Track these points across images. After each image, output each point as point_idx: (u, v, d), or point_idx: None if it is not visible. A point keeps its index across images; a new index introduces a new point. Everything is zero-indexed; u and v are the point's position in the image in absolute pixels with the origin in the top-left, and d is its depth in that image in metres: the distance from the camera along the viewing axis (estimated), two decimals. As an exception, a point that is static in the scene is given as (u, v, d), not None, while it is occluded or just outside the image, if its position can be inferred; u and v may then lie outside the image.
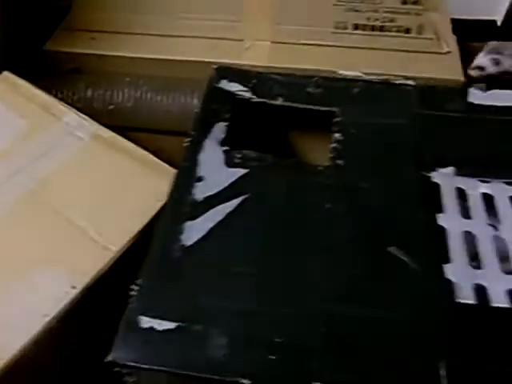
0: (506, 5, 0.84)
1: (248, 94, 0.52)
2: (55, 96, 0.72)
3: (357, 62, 0.73)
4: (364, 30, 0.74)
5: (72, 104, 0.72)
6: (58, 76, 0.75)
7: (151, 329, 0.35)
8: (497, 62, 0.72)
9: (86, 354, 0.39)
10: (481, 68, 0.73)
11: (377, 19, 0.73)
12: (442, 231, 0.43)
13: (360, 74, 0.53)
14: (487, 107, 0.50)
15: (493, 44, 0.74)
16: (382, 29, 0.73)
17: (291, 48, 0.76)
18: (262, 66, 0.74)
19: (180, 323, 0.36)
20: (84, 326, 0.42)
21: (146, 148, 0.68)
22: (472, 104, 0.51)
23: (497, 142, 0.49)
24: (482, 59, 0.73)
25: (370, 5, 0.72)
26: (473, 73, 0.73)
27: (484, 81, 0.69)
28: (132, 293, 0.37)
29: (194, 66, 0.74)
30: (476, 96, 0.51)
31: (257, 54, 0.75)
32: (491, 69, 0.72)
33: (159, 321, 0.36)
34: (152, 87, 0.74)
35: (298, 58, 0.74)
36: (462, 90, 0.52)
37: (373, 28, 0.74)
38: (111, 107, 0.73)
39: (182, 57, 0.75)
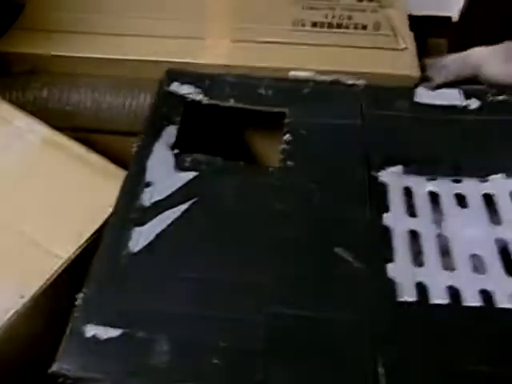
0: (461, 2, 0.85)
1: (199, 97, 0.52)
2: (9, 96, 0.71)
3: (315, 59, 0.73)
4: (322, 27, 0.74)
5: (26, 104, 0.71)
6: (12, 76, 0.74)
7: (95, 337, 0.36)
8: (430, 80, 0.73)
9: (35, 364, 0.39)
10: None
11: (334, 16, 0.73)
12: (387, 230, 0.44)
13: (311, 75, 0.54)
14: (434, 106, 0.51)
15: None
16: (339, 26, 0.74)
17: (251, 46, 0.75)
18: (222, 64, 0.74)
19: (124, 330, 0.36)
20: (33, 335, 0.42)
21: (103, 149, 0.68)
22: (419, 103, 0.52)
23: (443, 140, 0.50)
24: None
25: (326, 2, 0.72)
26: None
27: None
28: (77, 301, 0.37)
29: (154, 65, 0.73)
30: (423, 95, 0.52)
31: (217, 53, 0.75)
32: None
33: (104, 329, 0.36)
34: (111, 87, 0.73)
35: (258, 55, 0.74)
36: (410, 89, 0.53)
37: (330, 25, 0.74)
38: (68, 108, 0.72)
39: (141, 56, 0.74)
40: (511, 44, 0.76)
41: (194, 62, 0.74)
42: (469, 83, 0.75)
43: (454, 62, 0.77)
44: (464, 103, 0.51)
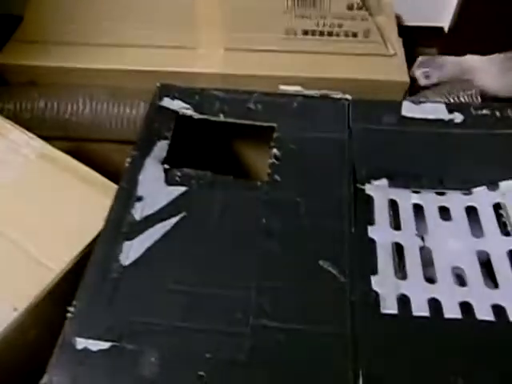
0: (452, 12, 0.87)
1: (190, 112, 0.53)
2: (7, 106, 0.73)
3: (307, 66, 0.75)
4: (313, 35, 0.76)
5: (24, 114, 0.73)
6: (10, 86, 0.75)
7: (86, 350, 0.37)
8: (427, 76, 0.75)
9: (29, 376, 0.40)
10: (414, 80, 0.76)
11: (325, 25, 0.75)
12: (372, 243, 0.46)
13: (300, 89, 0.55)
14: (419, 120, 0.52)
15: (423, 58, 0.78)
16: (330, 34, 0.75)
17: (244, 55, 0.77)
18: (215, 73, 0.76)
19: (114, 343, 0.38)
20: (27, 347, 0.43)
21: (101, 157, 0.69)
22: (405, 117, 0.53)
23: (428, 153, 0.52)
24: (414, 73, 0.77)
25: (317, 11, 0.73)
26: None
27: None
28: (68, 314, 0.39)
29: (150, 75, 0.74)
30: (409, 109, 0.53)
31: (210, 62, 0.77)
32: (422, 81, 0.76)
33: (94, 341, 0.38)
34: (109, 97, 0.74)
35: (251, 64, 0.76)
36: (397, 103, 0.54)
37: (321, 33, 0.75)
38: (65, 117, 0.73)
39: (137, 67, 0.76)
40: (504, 57, 0.78)
41: (188, 71, 0.75)
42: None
43: (451, 64, 0.78)
44: (449, 117, 0.52)
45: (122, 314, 0.39)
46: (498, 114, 0.52)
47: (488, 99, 0.78)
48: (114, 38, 0.77)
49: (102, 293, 0.40)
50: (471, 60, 0.78)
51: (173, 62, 0.75)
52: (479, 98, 0.74)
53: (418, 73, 0.76)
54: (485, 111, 0.52)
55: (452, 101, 0.74)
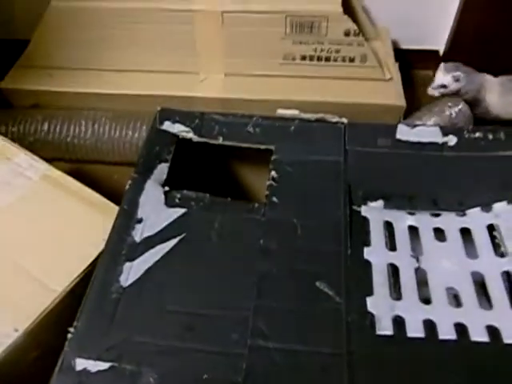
0: (447, 36, 0.89)
1: (190, 135, 0.55)
2: (11, 128, 0.75)
3: (305, 91, 0.77)
4: (311, 60, 0.78)
5: (28, 136, 0.74)
6: (14, 108, 0.77)
7: (85, 370, 0.38)
8: (457, 79, 0.76)
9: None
10: (443, 86, 0.77)
11: (322, 50, 0.76)
12: (367, 264, 0.46)
13: (297, 113, 0.56)
14: (413, 143, 0.54)
15: (449, 64, 0.79)
16: (327, 59, 0.77)
17: (243, 79, 0.79)
18: (215, 97, 0.77)
19: (113, 363, 0.38)
20: (28, 368, 0.44)
21: (101, 179, 0.70)
22: (401, 140, 0.54)
23: (423, 175, 0.53)
24: (443, 78, 0.78)
25: (315, 37, 0.75)
26: (435, 92, 0.78)
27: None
28: (68, 335, 0.39)
29: (152, 99, 0.76)
30: (403, 132, 0.54)
31: (211, 86, 0.79)
32: (453, 86, 0.77)
33: (94, 362, 0.38)
34: (111, 120, 0.76)
35: (250, 88, 0.78)
36: (392, 126, 0.55)
37: (319, 58, 0.77)
38: (68, 140, 0.75)
39: (139, 91, 0.78)
40: (505, 79, 0.80)
41: (189, 95, 0.77)
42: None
43: (473, 74, 0.79)
44: (443, 140, 0.54)
45: (121, 335, 0.40)
46: (490, 136, 0.53)
47: (490, 121, 0.80)
48: (115, 64, 0.79)
49: (103, 313, 0.41)
50: (484, 77, 0.80)
51: (174, 87, 0.77)
52: (467, 115, 0.77)
53: (448, 77, 0.77)
54: (478, 134, 0.54)
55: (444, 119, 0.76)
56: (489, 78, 0.81)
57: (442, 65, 0.80)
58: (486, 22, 0.84)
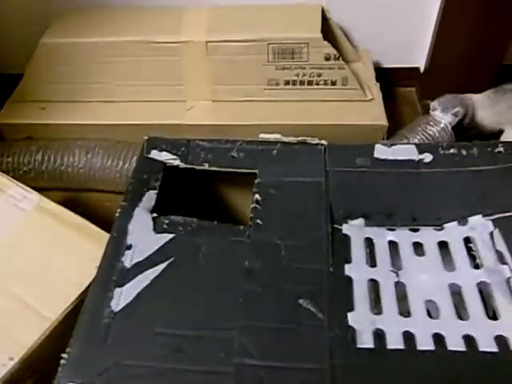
0: (427, 53, 0.93)
1: (177, 162, 0.57)
2: (6, 159, 0.77)
3: (290, 114, 0.80)
4: (294, 84, 0.80)
5: (21, 166, 0.77)
6: (9, 141, 0.80)
7: (78, 395, 0.39)
8: (456, 115, 0.80)
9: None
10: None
11: (305, 75, 0.79)
12: (349, 281, 0.48)
13: (279, 137, 0.58)
14: (391, 161, 0.56)
15: (442, 101, 0.82)
16: (310, 83, 0.80)
17: (230, 106, 0.82)
18: (203, 124, 0.80)
19: (105, 388, 0.40)
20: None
21: (94, 207, 0.72)
22: (379, 159, 0.56)
23: (401, 192, 0.55)
24: (444, 117, 0.81)
25: (297, 63, 0.78)
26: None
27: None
28: (61, 361, 0.41)
29: (141, 128, 0.79)
30: (381, 151, 0.57)
31: (198, 114, 0.81)
32: (455, 121, 0.80)
33: (86, 387, 0.40)
34: (103, 151, 0.78)
35: (237, 114, 0.80)
36: (369, 146, 0.57)
37: (302, 83, 0.80)
38: (62, 169, 0.77)
39: (130, 121, 0.81)
40: (489, 92, 0.83)
41: (177, 123, 0.80)
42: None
43: (463, 100, 0.83)
44: (419, 157, 0.56)
45: (112, 359, 0.42)
46: (464, 152, 0.56)
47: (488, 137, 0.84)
48: (104, 95, 0.82)
49: (95, 338, 0.43)
50: (471, 97, 0.84)
51: (162, 115, 0.80)
52: (449, 133, 0.80)
53: (449, 116, 0.80)
54: (452, 150, 0.56)
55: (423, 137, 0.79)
56: (474, 96, 0.84)
57: (435, 104, 0.82)
58: (463, 37, 0.87)
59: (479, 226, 0.52)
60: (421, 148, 0.57)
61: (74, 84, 0.81)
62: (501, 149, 0.55)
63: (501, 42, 0.88)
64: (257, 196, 0.54)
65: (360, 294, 0.47)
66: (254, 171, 0.56)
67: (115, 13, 0.86)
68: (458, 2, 0.84)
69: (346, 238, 0.52)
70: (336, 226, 0.53)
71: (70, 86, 0.81)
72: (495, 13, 0.84)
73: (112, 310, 0.45)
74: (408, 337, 0.44)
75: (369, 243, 0.52)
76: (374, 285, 0.48)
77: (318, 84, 0.80)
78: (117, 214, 0.52)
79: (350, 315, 0.45)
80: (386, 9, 0.89)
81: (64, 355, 0.41)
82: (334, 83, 0.80)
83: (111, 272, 0.47)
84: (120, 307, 0.45)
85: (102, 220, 0.58)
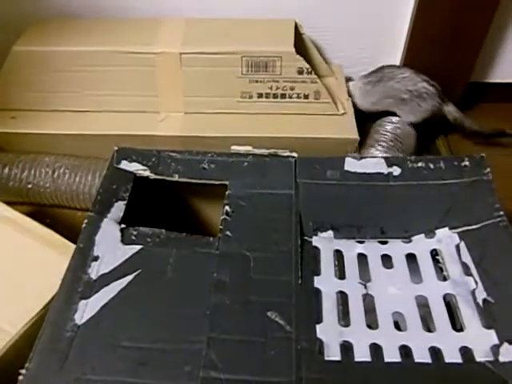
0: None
1: (147, 173, 0.56)
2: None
3: (262, 127, 0.80)
4: (267, 97, 0.81)
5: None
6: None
7: (37, 412, 0.38)
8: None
9: None
10: None
11: (278, 88, 0.80)
12: (317, 293, 0.48)
13: (250, 149, 0.59)
14: (360, 174, 0.56)
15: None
16: (283, 96, 0.81)
17: (203, 117, 0.82)
18: (176, 135, 0.80)
19: (66, 403, 0.39)
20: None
21: (60, 223, 0.70)
22: (349, 172, 0.57)
23: (370, 205, 0.55)
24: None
25: (270, 76, 0.79)
26: None
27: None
28: (20, 377, 0.40)
29: (113, 138, 0.77)
30: (351, 164, 0.57)
31: (171, 125, 0.81)
32: None
33: (45, 403, 0.39)
34: (70, 168, 0.77)
35: (209, 126, 0.80)
36: (339, 159, 0.58)
37: (275, 96, 0.81)
38: (28, 186, 0.75)
39: (101, 131, 0.79)
40: (363, 83, 0.89)
41: (149, 134, 0.79)
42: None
43: None
44: (388, 170, 0.57)
45: (74, 374, 0.40)
46: (431, 165, 0.56)
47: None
48: (76, 105, 0.81)
49: (56, 353, 0.42)
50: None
51: (135, 126, 0.79)
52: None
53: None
54: (420, 164, 0.57)
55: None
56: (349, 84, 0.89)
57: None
58: (432, 58, 0.90)
59: (446, 239, 0.53)
60: (389, 161, 0.58)
61: (46, 93, 0.80)
62: (467, 163, 0.56)
63: (468, 60, 0.92)
64: (227, 208, 0.53)
65: (328, 306, 0.47)
66: (224, 183, 0.56)
67: (91, 23, 0.85)
68: (425, 28, 0.87)
69: (316, 250, 0.52)
70: (306, 238, 0.53)
71: (41, 94, 0.80)
72: (463, 31, 0.87)
73: (75, 323, 0.44)
74: (375, 349, 0.44)
75: (338, 255, 0.52)
76: (342, 297, 0.48)
77: (290, 97, 0.81)
78: (84, 225, 0.51)
79: (318, 327, 0.45)
80: (358, 27, 0.91)
81: (22, 371, 0.40)
82: (306, 97, 0.81)
83: (76, 284, 0.46)
84: (84, 320, 0.44)
85: (72, 232, 0.57)
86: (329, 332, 0.45)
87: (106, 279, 0.47)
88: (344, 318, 0.47)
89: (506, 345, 0.43)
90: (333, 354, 0.43)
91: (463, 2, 0.84)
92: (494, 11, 0.85)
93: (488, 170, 0.55)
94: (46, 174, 0.74)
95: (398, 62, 0.95)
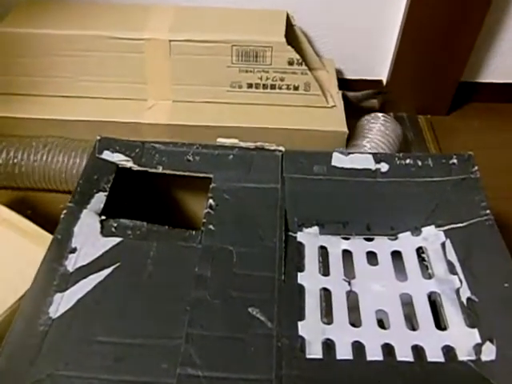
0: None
1: (130, 164, 0.55)
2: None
3: (250, 117, 0.79)
4: (257, 88, 0.80)
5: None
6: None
7: (8, 408, 0.37)
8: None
9: None
10: None
11: (268, 78, 0.79)
12: (301, 289, 0.47)
13: (236, 141, 0.57)
14: (347, 170, 0.56)
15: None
16: (272, 87, 0.79)
17: (191, 106, 0.80)
18: (163, 123, 0.78)
19: (38, 399, 0.37)
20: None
21: (46, 208, 0.69)
22: (336, 167, 0.56)
23: (357, 201, 0.54)
24: None
25: (261, 66, 0.77)
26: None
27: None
28: (-9, 372, 0.38)
29: (100, 125, 0.76)
30: (338, 160, 0.56)
31: (159, 113, 0.79)
32: None
33: (16, 399, 0.37)
34: (61, 150, 0.75)
35: (197, 115, 0.79)
36: (326, 154, 0.57)
37: (265, 86, 0.80)
38: (19, 170, 0.74)
39: (87, 117, 0.78)
40: None
41: (137, 121, 0.78)
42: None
43: None
44: (376, 167, 0.56)
45: (46, 369, 0.39)
46: (419, 163, 0.56)
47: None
48: (63, 90, 0.79)
49: (28, 347, 0.40)
50: None
51: (122, 113, 0.78)
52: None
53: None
54: (408, 161, 0.56)
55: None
56: None
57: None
58: (423, 52, 0.89)
59: (432, 237, 0.52)
60: (377, 157, 0.57)
61: (31, 77, 0.78)
62: (455, 160, 0.55)
63: (459, 59, 0.91)
64: (211, 201, 0.52)
65: (311, 303, 0.46)
66: (209, 176, 0.55)
67: (80, 6, 0.83)
68: (416, 27, 0.86)
69: (301, 245, 0.51)
70: (290, 233, 0.52)
71: (26, 78, 0.78)
72: (455, 30, 0.86)
73: (50, 316, 0.42)
74: (358, 347, 0.43)
75: (323, 252, 0.52)
76: (326, 294, 0.48)
77: (280, 88, 0.79)
78: (62, 216, 0.49)
79: (300, 324, 0.44)
80: (351, 21, 0.90)
81: (-6, 365, 0.39)
82: (296, 88, 0.79)
83: (52, 276, 0.45)
84: (59, 313, 0.43)
85: (54, 220, 0.55)
86: (311, 329, 0.44)
87: (84, 272, 0.46)
88: (327, 315, 0.46)
89: (487, 344, 0.42)
90: (314, 351, 0.42)
91: (455, 1, 0.83)
92: (485, 11, 0.85)
93: (476, 168, 0.54)
94: (36, 156, 0.73)
95: (389, 60, 0.94)
